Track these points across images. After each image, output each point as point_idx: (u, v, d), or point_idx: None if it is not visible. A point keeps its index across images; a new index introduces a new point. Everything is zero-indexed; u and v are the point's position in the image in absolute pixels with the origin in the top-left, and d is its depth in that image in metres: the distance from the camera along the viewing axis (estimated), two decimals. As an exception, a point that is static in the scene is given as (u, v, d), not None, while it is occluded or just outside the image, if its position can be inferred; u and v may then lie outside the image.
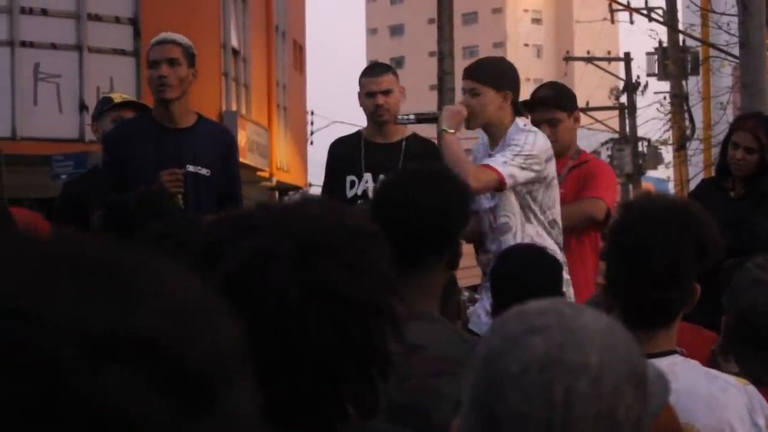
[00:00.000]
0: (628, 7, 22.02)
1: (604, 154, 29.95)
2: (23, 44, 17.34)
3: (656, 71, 26.31)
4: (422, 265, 2.74)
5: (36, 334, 0.71)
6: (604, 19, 28.73)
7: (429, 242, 2.76)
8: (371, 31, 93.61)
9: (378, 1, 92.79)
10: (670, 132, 24.03)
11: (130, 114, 5.57)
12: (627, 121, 30.21)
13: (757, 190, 5.23)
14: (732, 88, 19.65)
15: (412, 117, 5.19)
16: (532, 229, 4.72)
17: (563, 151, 5.36)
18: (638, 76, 30.04)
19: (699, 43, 20.28)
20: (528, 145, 4.66)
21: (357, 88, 5.56)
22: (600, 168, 5.57)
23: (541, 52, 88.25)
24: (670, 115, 23.41)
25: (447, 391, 2.41)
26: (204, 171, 5.15)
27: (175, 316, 0.75)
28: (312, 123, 37.77)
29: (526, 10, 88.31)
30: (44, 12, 17.54)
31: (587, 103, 31.12)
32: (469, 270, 5.59)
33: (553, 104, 5.38)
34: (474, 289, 6.00)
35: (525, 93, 5.15)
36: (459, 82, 5.47)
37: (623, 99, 30.95)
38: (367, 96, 5.49)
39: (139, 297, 0.75)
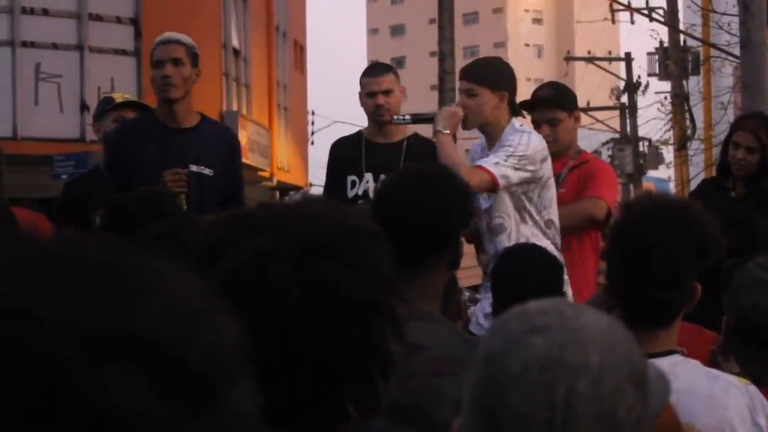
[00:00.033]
0: (628, 7, 22.03)
1: (605, 154, 29.96)
2: (24, 44, 17.35)
3: (657, 71, 26.31)
4: (423, 265, 2.74)
5: (36, 334, 0.71)
6: (605, 19, 28.74)
7: (430, 242, 2.76)
8: (372, 31, 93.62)
9: (379, 1, 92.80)
10: (671, 132, 24.02)
11: (132, 114, 5.56)
12: (628, 121, 30.22)
13: (758, 190, 5.23)
14: (733, 88, 19.65)
15: (408, 117, 5.20)
16: (527, 229, 4.71)
17: (564, 151, 5.36)
18: (639, 76, 30.07)
19: (700, 43, 20.28)
20: (522, 145, 4.65)
21: (358, 88, 5.56)
22: (600, 168, 5.57)
23: (541, 52, 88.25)
24: (670, 115, 23.40)
25: (448, 391, 2.41)
26: (207, 171, 5.15)
27: (176, 316, 0.75)
28: (313, 123, 37.79)
29: (526, 10, 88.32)
30: (45, 12, 17.55)
31: (588, 103, 31.13)
32: (470, 270, 5.59)
33: (554, 104, 5.38)
34: (475, 289, 6.01)
35: (526, 93, 5.16)
36: (459, 83, 5.46)
37: (624, 99, 30.95)
38: (367, 96, 5.49)
39: (140, 297, 0.75)
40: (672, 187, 27.29)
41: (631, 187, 28.73)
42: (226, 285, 1.54)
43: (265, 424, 0.83)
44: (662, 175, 36.02)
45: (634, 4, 22.61)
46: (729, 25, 14.55)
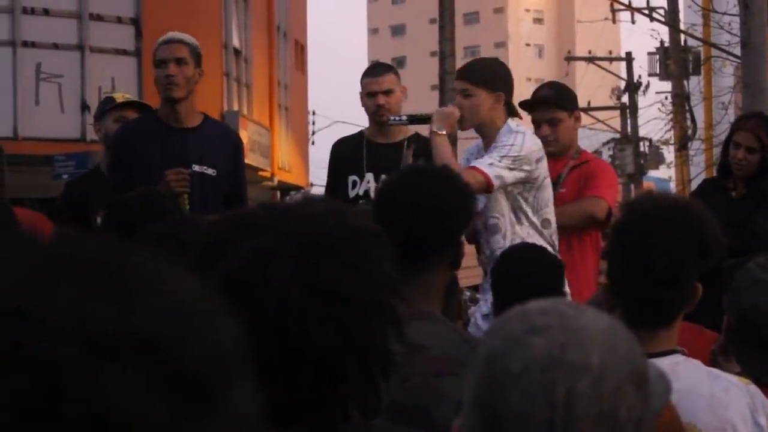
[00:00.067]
0: (629, 7, 22.04)
1: (606, 154, 29.98)
2: (25, 44, 17.35)
3: (658, 71, 26.33)
4: (424, 265, 2.74)
5: (37, 334, 0.71)
6: (606, 18, 28.75)
7: (431, 242, 2.76)
8: (373, 31, 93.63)
9: (379, 0, 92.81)
10: (672, 132, 24.03)
11: (133, 114, 5.56)
12: (628, 121, 30.23)
13: (758, 190, 5.23)
14: (733, 88, 19.65)
15: (404, 118, 5.20)
16: (522, 230, 4.70)
17: (564, 150, 5.36)
18: (640, 76, 30.08)
19: (700, 43, 20.27)
20: (516, 146, 4.65)
21: (358, 88, 5.56)
22: (601, 167, 5.57)
23: (542, 52, 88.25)
24: (671, 115, 23.41)
25: (449, 391, 2.41)
26: (210, 171, 5.15)
27: (175, 316, 0.75)
28: (313, 123, 37.79)
29: (527, 10, 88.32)
30: (46, 12, 17.55)
31: (589, 103, 31.16)
32: (470, 270, 5.58)
33: (554, 104, 5.38)
34: (475, 288, 6.00)
35: (526, 93, 5.15)
36: (459, 83, 5.45)
37: (625, 99, 30.97)
38: (368, 96, 5.50)
39: (140, 297, 0.75)
40: (673, 187, 27.27)
41: (632, 187, 28.74)
42: (226, 285, 1.54)
43: (266, 424, 0.83)
44: (663, 175, 36.01)
45: (634, 4, 22.64)
46: (730, 24, 14.54)
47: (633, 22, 26.34)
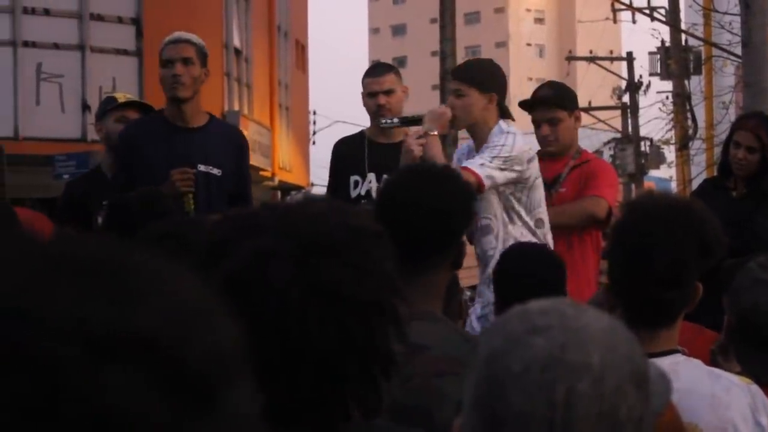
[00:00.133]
0: (630, 7, 22.04)
1: (607, 153, 29.97)
2: (26, 44, 17.35)
3: (659, 71, 26.33)
4: (425, 265, 2.74)
5: (37, 334, 0.71)
6: (607, 18, 28.75)
7: (432, 242, 2.76)
8: (374, 31, 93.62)
9: (380, 0, 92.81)
10: (673, 131, 24.02)
11: (134, 114, 5.56)
12: (629, 120, 30.23)
13: (758, 190, 5.23)
14: (734, 88, 19.63)
15: (396, 120, 5.20)
16: (515, 230, 4.70)
17: (564, 150, 5.36)
18: (640, 76, 30.07)
19: (701, 43, 20.26)
20: (507, 146, 4.64)
21: (359, 88, 5.56)
22: (601, 167, 5.56)
23: (543, 52, 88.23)
24: (672, 115, 23.40)
25: (449, 391, 2.41)
26: (215, 171, 5.15)
27: (176, 316, 0.75)
28: (314, 123, 37.79)
29: (528, 10, 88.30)
30: (47, 12, 17.55)
31: (589, 103, 31.16)
32: (470, 270, 5.58)
33: (554, 103, 5.38)
34: (476, 288, 6.00)
35: (527, 93, 5.15)
36: (461, 82, 5.45)
37: (626, 98, 30.97)
38: (369, 96, 5.50)
39: (140, 297, 0.75)
40: (673, 187, 27.27)
41: (633, 186, 28.73)
42: (227, 285, 1.54)
43: (267, 424, 0.83)
44: (664, 175, 36.01)
45: (635, 4, 22.64)
46: (731, 24, 14.53)
47: (634, 21, 26.34)
